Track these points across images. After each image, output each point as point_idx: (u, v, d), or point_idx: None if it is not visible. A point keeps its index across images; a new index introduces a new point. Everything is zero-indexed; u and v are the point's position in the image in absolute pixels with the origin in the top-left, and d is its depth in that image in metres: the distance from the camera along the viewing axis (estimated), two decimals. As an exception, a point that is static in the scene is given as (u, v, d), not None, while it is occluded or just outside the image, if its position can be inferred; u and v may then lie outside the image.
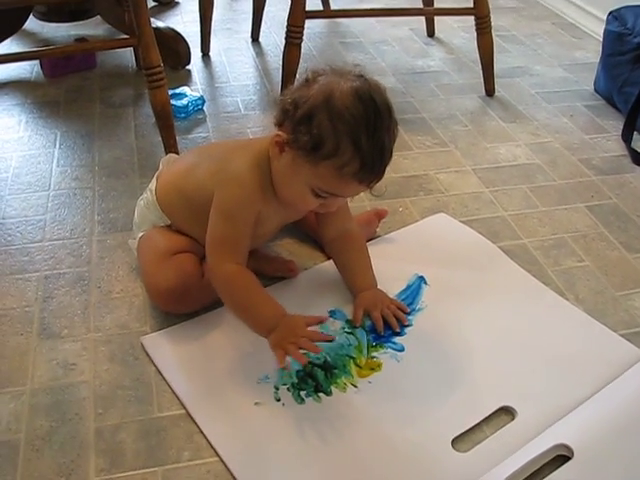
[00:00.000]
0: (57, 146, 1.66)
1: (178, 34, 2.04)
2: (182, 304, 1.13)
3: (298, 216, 1.19)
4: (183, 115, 1.79)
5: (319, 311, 1.18)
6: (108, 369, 1.07)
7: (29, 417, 0.98)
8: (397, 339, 1.13)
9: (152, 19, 1.54)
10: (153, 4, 2.51)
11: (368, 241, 1.32)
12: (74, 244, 1.33)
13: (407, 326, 1.16)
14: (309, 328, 1.02)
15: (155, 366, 1.07)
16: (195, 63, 2.11)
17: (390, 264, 1.29)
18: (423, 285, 1.25)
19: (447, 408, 1.01)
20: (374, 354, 1.10)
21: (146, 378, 1.05)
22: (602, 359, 1.10)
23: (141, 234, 1.21)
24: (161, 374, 1.06)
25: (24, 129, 1.72)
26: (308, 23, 1.69)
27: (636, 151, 1.69)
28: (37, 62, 2.01)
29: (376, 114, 0.93)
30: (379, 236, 1.38)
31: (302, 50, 1.72)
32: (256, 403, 1.01)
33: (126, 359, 1.09)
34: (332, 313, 1.18)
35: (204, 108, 1.84)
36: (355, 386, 1.05)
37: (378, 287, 1.20)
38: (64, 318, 1.16)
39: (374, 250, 1.28)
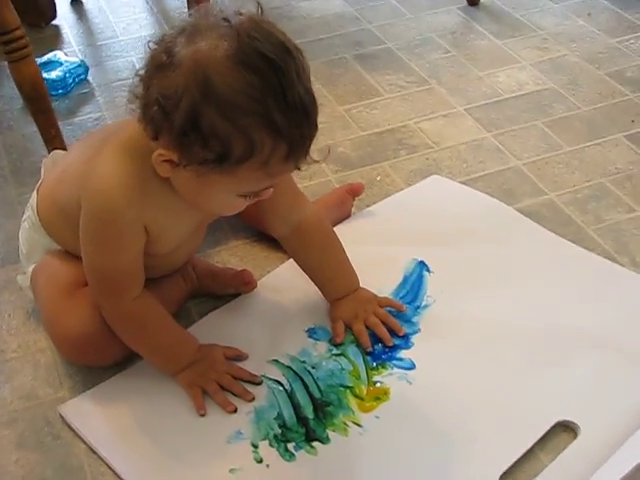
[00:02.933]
0: None
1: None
2: (103, 354, 1.15)
3: (215, 216, 1.20)
4: (61, 92, 1.79)
5: (294, 332, 1.21)
6: (18, 460, 1.07)
7: None
8: (403, 353, 1.17)
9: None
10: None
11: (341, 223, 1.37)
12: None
13: (412, 333, 1.19)
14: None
15: (85, 442, 1.08)
16: (64, 15, 2.11)
17: (376, 250, 1.32)
18: (425, 273, 1.29)
19: (486, 435, 1.05)
20: (377, 378, 1.14)
21: (75, 461, 1.07)
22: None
23: (33, 265, 1.21)
24: (95, 452, 1.07)
25: None
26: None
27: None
28: None
29: (277, 71, 0.89)
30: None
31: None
32: (231, 470, 1.03)
33: (42, 441, 1.10)
34: (311, 332, 1.21)
35: (88, 77, 1.85)
36: (359, 425, 1.08)
37: (362, 287, 1.23)
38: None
39: (349, 233, 1.32)
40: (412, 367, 1.15)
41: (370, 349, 1.17)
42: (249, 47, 0.89)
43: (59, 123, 1.58)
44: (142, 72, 0.95)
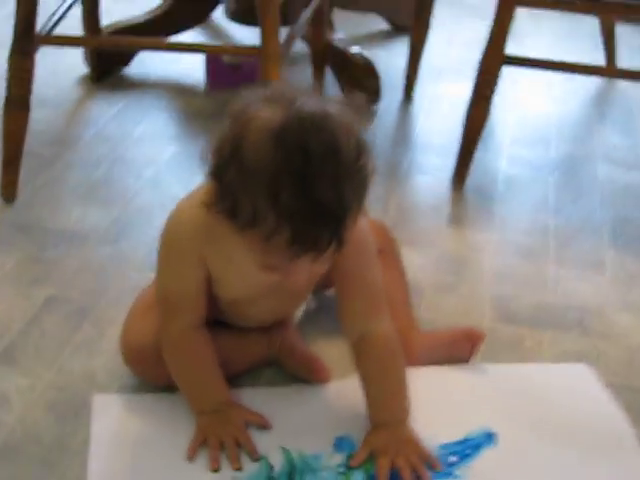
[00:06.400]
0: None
1: (369, 64, 2.18)
2: (153, 372, 1.22)
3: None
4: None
5: (324, 436, 1.19)
6: (37, 419, 1.19)
7: None
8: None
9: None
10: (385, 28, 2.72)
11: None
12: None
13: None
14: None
15: (90, 433, 1.17)
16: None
17: (458, 402, 1.26)
18: (487, 445, 1.18)
19: None
20: (355, 511, 1.08)
21: (69, 442, 1.15)
22: None
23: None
24: (90, 444, 1.15)
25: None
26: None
27: None
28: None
29: (305, 161, 0.92)
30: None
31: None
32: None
33: (66, 413, 1.20)
34: (339, 441, 1.18)
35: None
36: None
37: (410, 427, 1.17)
38: (34, 348, 1.32)
39: (447, 377, 1.29)
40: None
41: None
42: (292, 129, 0.93)
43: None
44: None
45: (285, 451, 1.15)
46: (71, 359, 1.30)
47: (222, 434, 1.14)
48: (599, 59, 2.40)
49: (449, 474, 1.13)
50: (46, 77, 2.19)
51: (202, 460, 1.13)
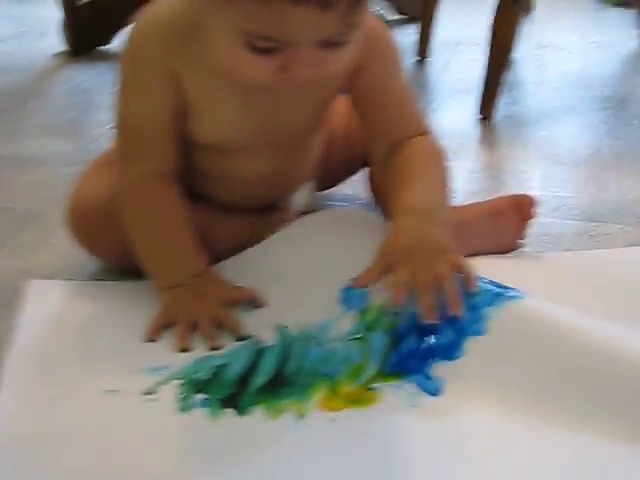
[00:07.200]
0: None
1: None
2: (109, 239, 0.93)
3: (289, 119, 0.92)
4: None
5: (327, 293, 0.86)
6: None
7: None
8: (439, 366, 0.78)
9: None
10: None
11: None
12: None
13: (472, 333, 0.79)
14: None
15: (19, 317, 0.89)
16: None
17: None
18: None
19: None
20: (375, 385, 0.77)
21: None
22: None
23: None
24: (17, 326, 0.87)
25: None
26: None
27: None
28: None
29: None
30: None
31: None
32: (110, 391, 0.75)
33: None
34: (346, 295, 0.84)
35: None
36: (301, 416, 0.73)
37: (445, 231, 0.86)
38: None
39: (494, 264, 0.98)
40: (434, 393, 0.76)
41: (399, 304, 0.78)
42: None
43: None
44: None
45: (280, 327, 0.85)
46: (6, 259, 1.03)
47: (195, 310, 0.85)
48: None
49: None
50: (17, 52, 2.00)
51: (166, 342, 0.84)
